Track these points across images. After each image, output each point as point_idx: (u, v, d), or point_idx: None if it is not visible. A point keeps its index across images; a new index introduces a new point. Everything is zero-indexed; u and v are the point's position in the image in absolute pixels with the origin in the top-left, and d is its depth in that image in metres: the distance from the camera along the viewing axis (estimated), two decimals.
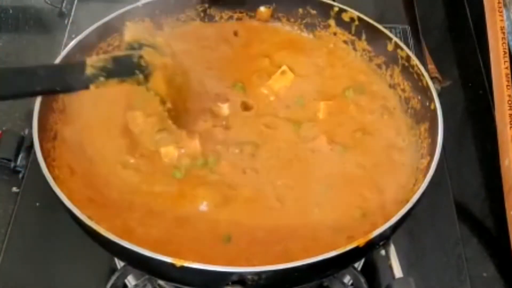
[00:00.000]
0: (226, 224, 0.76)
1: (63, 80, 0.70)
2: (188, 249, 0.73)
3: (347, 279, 0.88)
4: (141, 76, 0.74)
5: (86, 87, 0.71)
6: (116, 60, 0.73)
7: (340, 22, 0.97)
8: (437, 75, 1.18)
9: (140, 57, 0.75)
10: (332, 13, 0.97)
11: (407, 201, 0.73)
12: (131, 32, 0.77)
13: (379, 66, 0.95)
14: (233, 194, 0.79)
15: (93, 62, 0.71)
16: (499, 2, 1.11)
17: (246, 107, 0.90)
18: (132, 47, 0.76)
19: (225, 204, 0.78)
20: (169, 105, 0.78)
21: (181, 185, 0.80)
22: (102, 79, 0.71)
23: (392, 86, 0.93)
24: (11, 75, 0.69)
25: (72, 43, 0.88)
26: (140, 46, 0.76)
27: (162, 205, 0.78)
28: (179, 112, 0.80)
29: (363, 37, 0.96)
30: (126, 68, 0.74)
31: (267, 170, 0.82)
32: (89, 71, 0.70)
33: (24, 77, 0.68)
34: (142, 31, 0.78)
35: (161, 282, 0.85)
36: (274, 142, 0.85)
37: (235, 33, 0.99)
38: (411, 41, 1.20)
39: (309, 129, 0.87)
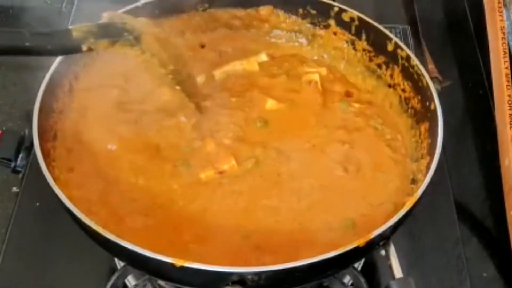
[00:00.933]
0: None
1: (53, 40, 0.72)
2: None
3: (347, 279, 0.88)
4: (131, 37, 0.78)
5: (79, 49, 0.74)
6: (100, 26, 0.77)
7: (340, 22, 0.97)
8: (437, 75, 1.18)
9: (124, 23, 0.79)
10: (332, 13, 0.97)
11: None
12: (109, 16, 0.80)
13: (379, 66, 0.95)
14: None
15: (77, 27, 0.74)
16: (499, 2, 1.11)
17: None
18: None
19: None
20: (171, 66, 0.81)
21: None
22: (91, 40, 0.74)
23: (392, 86, 0.93)
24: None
25: None
26: (122, 24, 0.80)
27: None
28: (183, 76, 0.83)
29: (363, 37, 0.96)
30: (113, 32, 0.77)
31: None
32: (75, 34, 0.73)
33: (13, 34, 0.70)
34: (121, 16, 0.82)
35: (161, 282, 0.85)
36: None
37: (202, 46, 1.00)
38: (411, 41, 1.20)
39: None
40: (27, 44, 0.69)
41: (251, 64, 0.96)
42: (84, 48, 0.74)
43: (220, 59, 0.98)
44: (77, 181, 0.80)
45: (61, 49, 0.74)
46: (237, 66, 0.95)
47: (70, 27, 0.74)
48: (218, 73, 0.95)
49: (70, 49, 0.75)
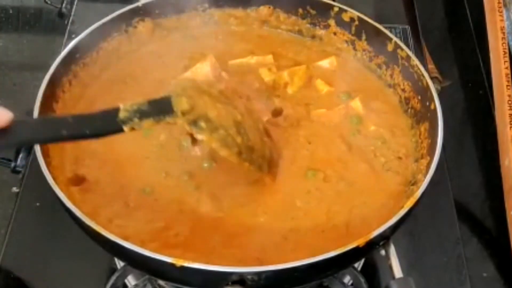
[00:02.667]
0: None
1: (93, 125, 0.66)
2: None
3: (347, 279, 0.88)
4: (179, 113, 0.70)
5: (120, 130, 0.67)
6: (151, 103, 0.70)
7: (340, 22, 0.97)
8: (437, 75, 1.18)
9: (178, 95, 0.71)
10: (332, 13, 0.97)
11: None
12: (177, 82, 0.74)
13: (379, 66, 0.95)
14: None
15: (126, 107, 0.68)
16: (499, 2, 1.11)
17: None
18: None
19: None
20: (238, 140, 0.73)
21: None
22: (136, 120, 0.68)
23: (392, 86, 0.93)
24: (37, 123, 0.67)
25: (72, 43, 0.88)
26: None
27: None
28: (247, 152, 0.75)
29: (363, 37, 0.96)
30: (163, 108, 0.70)
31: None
32: (122, 114, 0.67)
33: (51, 124, 0.67)
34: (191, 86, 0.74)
35: (161, 282, 0.85)
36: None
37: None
38: (411, 41, 1.20)
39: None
40: (63, 132, 0.64)
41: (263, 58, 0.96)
42: (126, 129, 0.67)
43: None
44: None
45: (100, 133, 0.67)
46: (251, 60, 0.96)
47: (120, 106, 0.68)
48: (232, 63, 0.96)
49: (111, 132, 0.68)
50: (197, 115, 0.70)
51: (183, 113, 0.70)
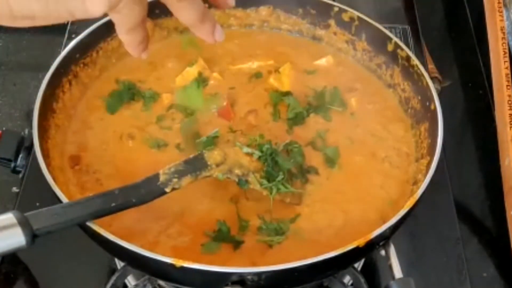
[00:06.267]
0: None
1: (138, 193, 0.70)
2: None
3: (347, 279, 0.88)
4: (214, 166, 0.74)
5: (163, 193, 0.71)
6: (187, 162, 0.74)
7: (340, 22, 0.97)
8: (437, 75, 1.18)
9: (219, 154, 0.76)
10: (332, 13, 0.97)
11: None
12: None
13: (379, 66, 0.95)
14: None
15: (165, 170, 0.72)
16: (499, 2, 1.11)
17: None
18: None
19: None
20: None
21: None
22: (175, 180, 0.71)
23: (392, 86, 0.93)
24: (89, 201, 0.69)
25: (72, 43, 0.89)
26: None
27: None
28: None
29: (363, 37, 0.96)
30: (198, 165, 0.74)
31: None
32: (162, 178, 0.71)
33: (100, 199, 0.69)
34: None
35: (161, 282, 0.85)
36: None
37: None
38: (411, 41, 1.20)
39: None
40: (113, 205, 0.68)
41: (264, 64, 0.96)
42: (168, 190, 0.71)
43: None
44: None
45: (145, 199, 0.70)
46: (253, 65, 0.96)
47: (159, 171, 0.71)
48: (234, 68, 0.96)
49: (154, 196, 0.71)
50: (230, 164, 0.75)
51: (217, 165, 0.75)
